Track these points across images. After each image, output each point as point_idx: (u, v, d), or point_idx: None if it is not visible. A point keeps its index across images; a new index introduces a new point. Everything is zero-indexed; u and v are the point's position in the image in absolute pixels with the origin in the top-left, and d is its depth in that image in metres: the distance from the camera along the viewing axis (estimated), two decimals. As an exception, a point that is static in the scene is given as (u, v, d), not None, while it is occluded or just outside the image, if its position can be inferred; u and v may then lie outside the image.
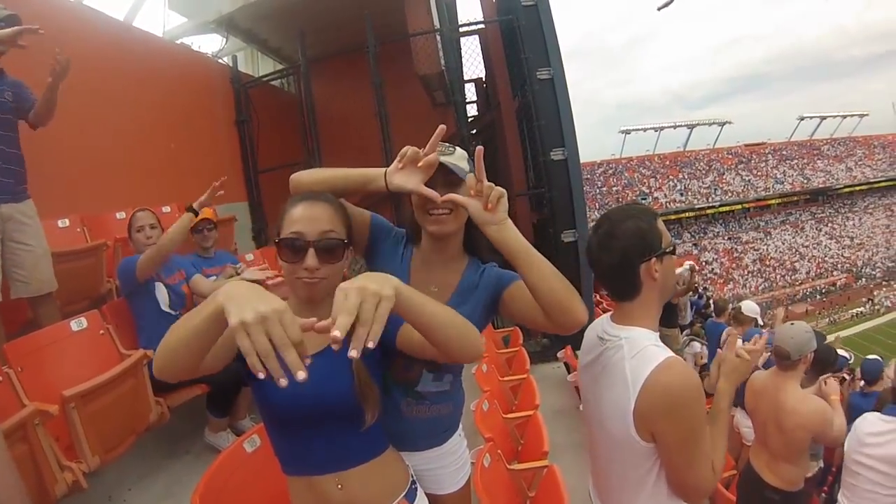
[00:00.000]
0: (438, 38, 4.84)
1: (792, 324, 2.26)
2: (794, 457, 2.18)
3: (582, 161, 20.02)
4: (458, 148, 1.22)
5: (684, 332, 6.27)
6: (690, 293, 6.57)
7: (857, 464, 2.01)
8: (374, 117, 4.88)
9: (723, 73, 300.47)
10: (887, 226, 42.26)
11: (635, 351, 1.13)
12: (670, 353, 1.10)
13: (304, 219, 1.00)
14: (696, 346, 6.03)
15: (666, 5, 44.98)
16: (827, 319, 30.33)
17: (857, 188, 43.82)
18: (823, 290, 35.57)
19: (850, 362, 5.43)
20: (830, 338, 14.81)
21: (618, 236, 1.13)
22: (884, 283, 36.05)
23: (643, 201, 37.08)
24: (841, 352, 4.53)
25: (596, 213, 33.68)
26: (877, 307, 32.09)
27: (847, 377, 4.71)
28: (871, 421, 2.02)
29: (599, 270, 1.21)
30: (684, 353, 5.75)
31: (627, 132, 45.07)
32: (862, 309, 31.97)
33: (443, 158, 1.10)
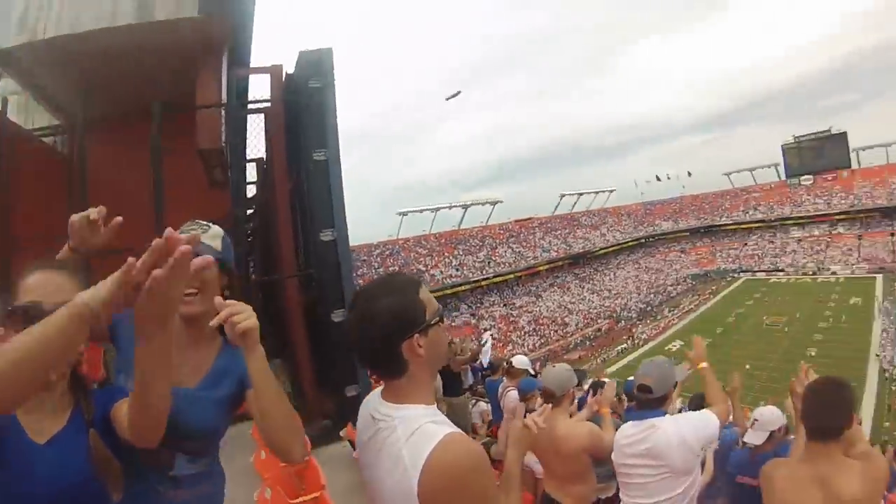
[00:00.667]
0: (223, 112, 5.29)
1: (554, 366, 3.14)
2: (580, 477, 2.92)
3: (360, 243, 39.84)
4: (213, 226, 1.43)
5: (466, 395, 7.32)
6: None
7: (623, 466, 2.56)
8: (148, 190, 5.06)
9: (495, 158, 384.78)
10: (636, 276, 60.47)
11: (411, 431, 1.23)
12: (449, 429, 1.21)
13: (40, 286, 1.15)
14: (482, 405, 7.06)
15: (453, 96, 61.78)
16: (599, 359, 39.62)
17: (611, 249, 62.96)
18: (591, 337, 45.73)
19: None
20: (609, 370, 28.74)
21: (374, 317, 1.24)
22: (639, 321, 49.01)
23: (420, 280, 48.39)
24: (605, 379, 6.41)
25: None
26: (636, 341, 42.69)
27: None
28: (623, 430, 2.59)
29: (360, 352, 1.32)
30: (472, 414, 6.88)
31: (404, 214, 54.51)
32: (625, 345, 42.23)
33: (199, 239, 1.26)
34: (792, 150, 70.67)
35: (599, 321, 49.49)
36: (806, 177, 68.31)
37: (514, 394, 4.99)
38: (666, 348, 37.63)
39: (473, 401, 7.29)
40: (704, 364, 2.86)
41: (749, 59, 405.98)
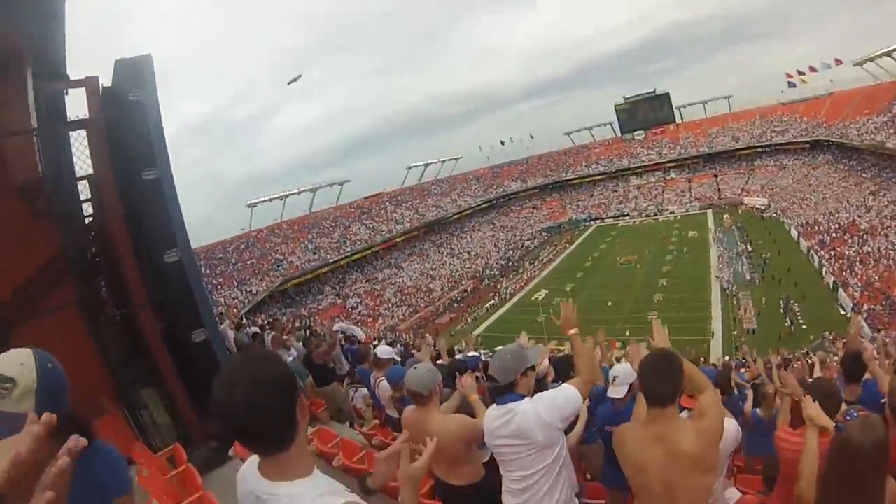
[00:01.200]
0: (36, 138, 5.35)
1: (416, 367, 3.53)
2: (464, 460, 3.41)
3: (212, 241, 49.70)
4: (18, 378, 1.49)
5: (346, 382, 8.58)
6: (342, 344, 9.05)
7: (496, 447, 3.04)
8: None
9: (338, 138, 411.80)
10: (493, 235, 71.68)
11: None
12: (339, 501, 1.43)
13: None
14: (364, 391, 7.81)
15: (295, 80, 67.82)
16: (470, 318, 47.03)
17: (464, 213, 73.83)
18: (458, 299, 53.11)
19: (481, 359, 7.87)
20: (479, 331, 40.27)
21: (267, 391, 1.41)
22: (502, 277, 58.31)
23: (279, 268, 51.09)
24: (472, 353, 7.55)
25: (236, 290, 44.71)
26: (503, 296, 51.12)
27: (479, 374, 6.27)
28: (489, 414, 3.07)
29: (252, 433, 1.45)
30: (354, 399, 7.86)
31: (254, 205, 59.02)
32: (493, 301, 50.27)
33: None
34: (623, 109, 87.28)
35: (464, 283, 57.54)
36: (638, 132, 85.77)
37: (384, 384, 5.84)
38: (532, 298, 47.25)
39: (354, 388, 8.13)
40: (572, 331, 3.27)
41: (578, 32, 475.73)
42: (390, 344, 14.93)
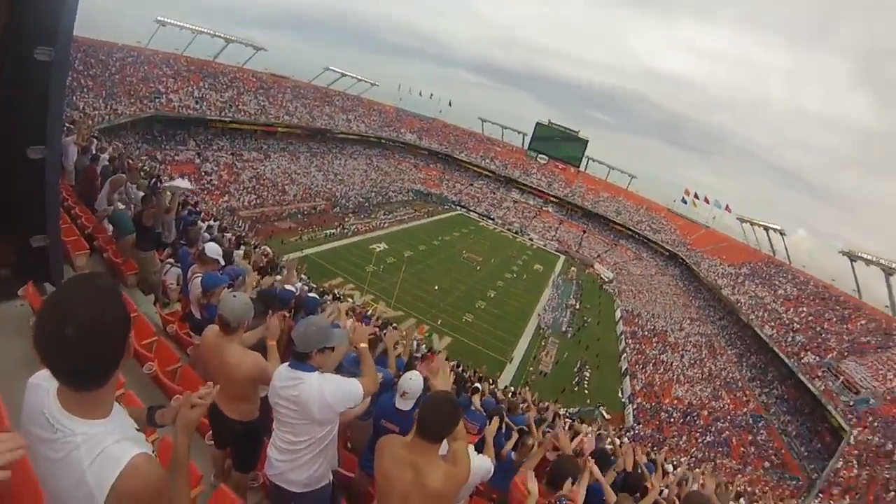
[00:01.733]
0: None
1: (234, 296, 3.90)
2: (246, 398, 3.93)
3: (104, 39, 48.01)
4: None
5: (166, 254, 8.72)
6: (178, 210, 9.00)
7: (276, 404, 3.45)
8: None
9: (279, 1, 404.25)
10: (365, 170, 75.50)
11: (95, 454, 1.53)
12: (135, 451, 1.56)
13: None
14: (176, 270, 7.84)
15: None
16: (307, 236, 48.61)
17: (350, 137, 77.15)
18: (306, 212, 55.27)
19: (296, 294, 8.05)
20: (308, 251, 43.13)
21: (105, 333, 1.54)
22: (353, 213, 61.40)
23: (156, 100, 49.65)
24: (289, 286, 7.74)
25: (101, 101, 42.53)
26: (346, 231, 53.46)
27: (287, 314, 6.53)
28: (279, 372, 3.48)
29: (73, 373, 1.55)
30: (165, 276, 7.85)
31: (163, 24, 56.37)
32: (334, 231, 52.21)
33: None
34: (542, 129, 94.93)
35: (317, 200, 60.43)
36: (543, 156, 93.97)
37: (198, 282, 6.13)
38: (370, 247, 50.00)
39: (170, 263, 7.98)
40: (362, 345, 4.00)
41: (552, 44, 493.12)
42: (223, 230, 15.73)
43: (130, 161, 16.73)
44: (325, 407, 3.37)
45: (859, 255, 50.26)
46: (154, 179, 17.59)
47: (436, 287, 46.02)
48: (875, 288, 48.88)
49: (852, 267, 51.14)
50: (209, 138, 57.21)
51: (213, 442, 4.45)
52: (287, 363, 3.54)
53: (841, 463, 26.23)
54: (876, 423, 29.15)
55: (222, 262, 7.55)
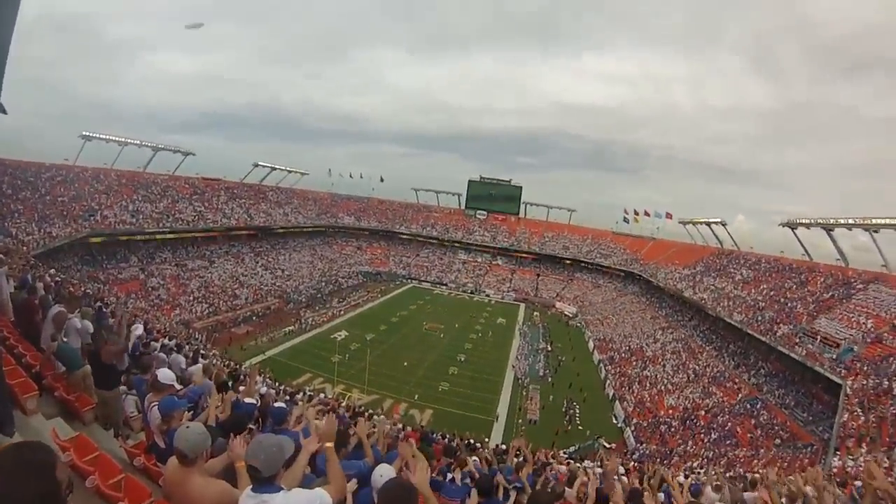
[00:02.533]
0: None
1: (188, 427, 3.79)
2: None
3: (31, 160, 48.85)
4: None
5: (121, 388, 8.39)
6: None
7: None
8: None
9: (201, 103, 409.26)
10: (311, 262, 75.48)
11: None
12: None
13: None
14: (132, 398, 8.05)
15: (194, 27, 66.41)
16: (265, 337, 48.48)
17: (291, 230, 77.16)
18: (260, 314, 55.05)
19: (257, 405, 8.08)
20: (270, 353, 43.94)
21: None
22: (307, 306, 61.17)
23: (91, 218, 48.55)
24: (248, 400, 7.53)
25: (34, 225, 41.99)
26: (304, 326, 53.71)
27: (253, 427, 6.71)
28: (243, 498, 3.32)
29: None
30: (126, 401, 8.05)
31: (89, 138, 57.43)
32: (292, 328, 52.40)
33: None
34: (475, 186, 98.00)
35: (269, 299, 60.27)
36: (481, 212, 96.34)
37: (156, 412, 5.97)
38: (331, 337, 50.45)
39: (124, 393, 8.12)
40: (328, 444, 4.01)
41: (466, 102, 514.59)
42: (178, 347, 14.72)
43: (71, 289, 16.36)
44: None
45: (798, 221, 52.53)
46: (99, 303, 17.17)
47: (405, 363, 45.82)
48: (821, 245, 51.43)
49: (795, 235, 53.44)
50: (150, 251, 56.45)
51: None
52: (249, 488, 3.38)
53: (846, 415, 26.45)
54: (865, 367, 29.79)
55: (178, 387, 7.39)
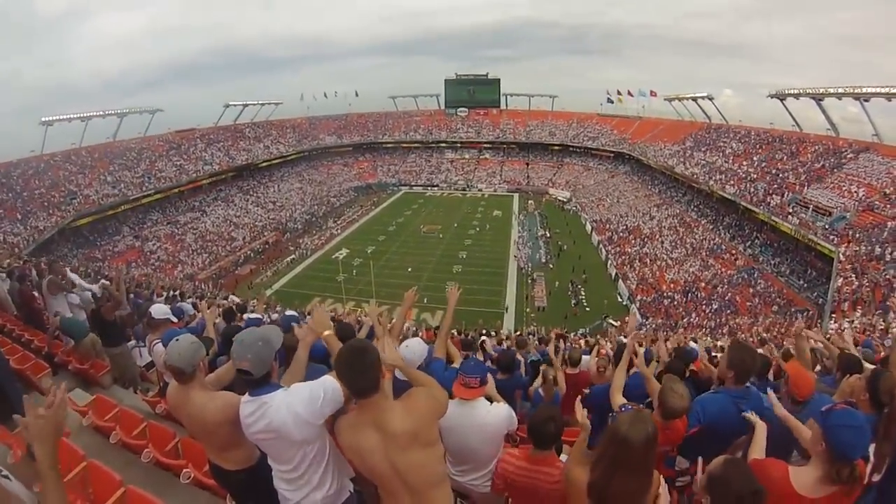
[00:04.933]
0: None
1: (177, 339, 3.48)
2: (233, 443, 3.49)
3: None
4: None
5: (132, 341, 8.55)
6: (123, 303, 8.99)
7: (255, 439, 3.14)
8: None
9: (157, 60, 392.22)
10: (300, 188, 75.23)
11: None
12: None
13: None
14: (160, 346, 6.47)
15: None
16: (269, 272, 48.99)
17: (274, 162, 76.75)
18: (260, 250, 55.23)
19: (262, 320, 7.80)
20: (277, 286, 43.57)
21: None
22: (304, 233, 61.62)
23: (73, 201, 47.93)
24: (254, 316, 7.66)
25: (18, 224, 41.45)
26: (304, 252, 54.13)
27: None
28: (244, 409, 3.09)
29: None
30: (153, 356, 6.80)
31: (50, 123, 55.41)
32: (293, 256, 52.90)
33: None
34: (453, 84, 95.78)
35: (266, 234, 59.94)
36: (462, 109, 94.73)
37: (159, 348, 5.66)
38: (333, 257, 51.14)
39: (139, 344, 8.09)
40: (326, 332, 3.62)
41: (430, 2, 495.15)
42: (181, 295, 14.79)
43: (52, 262, 16.15)
44: (302, 424, 2.98)
45: (786, 92, 51.92)
46: (96, 275, 17.45)
47: (409, 269, 46.51)
48: (811, 117, 50.97)
49: (784, 106, 52.96)
50: (140, 217, 56.25)
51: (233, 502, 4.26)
52: (245, 396, 3.14)
53: (840, 280, 27.32)
54: (857, 234, 30.55)
55: (174, 320, 7.09)
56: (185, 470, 4.67)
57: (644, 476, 2.65)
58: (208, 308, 8.51)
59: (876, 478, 3.20)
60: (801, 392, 4.04)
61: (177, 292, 18.96)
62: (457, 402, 3.81)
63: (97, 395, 6.62)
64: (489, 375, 4.32)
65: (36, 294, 9.94)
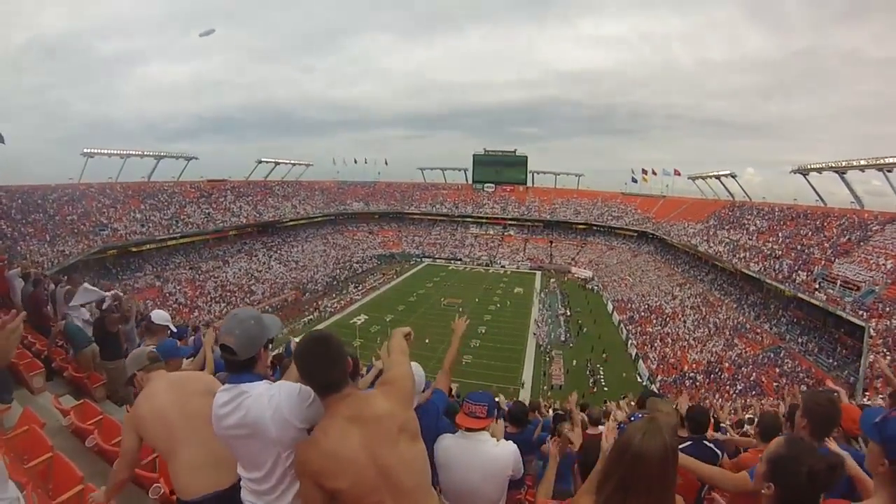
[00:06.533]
0: None
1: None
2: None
3: (36, 183, 48.82)
4: None
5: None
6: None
7: (226, 437, 2.70)
8: None
9: (198, 110, 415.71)
10: (324, 251, 75.73)
11: None
12: None
13: None
14: None
15: (207, 34, 64.24)
16: (286, 329, 47.60)
17: (300, 222, 77.48)
18: (278, 307, 54.26)
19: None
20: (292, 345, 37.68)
21: None
22: (325, 295, 61.66)
23: (101, 233, 49.15)
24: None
25: (46, 245, 42.63)
26: (323, 314, 54.13)
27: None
28: (218, 398, 2.70)
29: None
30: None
31: (91, 155, 57.59)
32: (311, 317, 53.04)
33: None
34: (481, 160, 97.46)
35: (286, 291, 60.47)
36: (489, 185, 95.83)
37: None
38: (351, 322, 50.32)
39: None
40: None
41: (464, 77, 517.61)
42: (195, 329, 13.31)
43: (72, 276, 15.80)
44: (281, 421, 2.58)
45: (809, 167, 52.21)
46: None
47: (426, 340, 44.53)
48: (835, 192, 51.31)
49: (807, 181, 53.12)
50: (164, 258, 56.93)
51: None
52: (223, 387, 2.81)
53: (872, 356, 26.29)
54: (888, 308, 29.57)
55: (173, 329, 6.84)
56: (155, 484, 4.37)
57: (664, 499, 2.11)
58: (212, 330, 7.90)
59: None
60: (855, 425, 3.57)
61: (189, 327, 18.34)
62: (459, 435, 3.57)
63: (84, 401, 6.50)
64: (502, 423, 4.24)
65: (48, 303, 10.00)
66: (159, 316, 6.34)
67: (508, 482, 3.55)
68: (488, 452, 3.44)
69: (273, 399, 2.59)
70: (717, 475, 3.43)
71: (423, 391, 4.11)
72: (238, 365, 2.74)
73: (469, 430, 3.52)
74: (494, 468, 3.43)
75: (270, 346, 2.97)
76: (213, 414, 2.70)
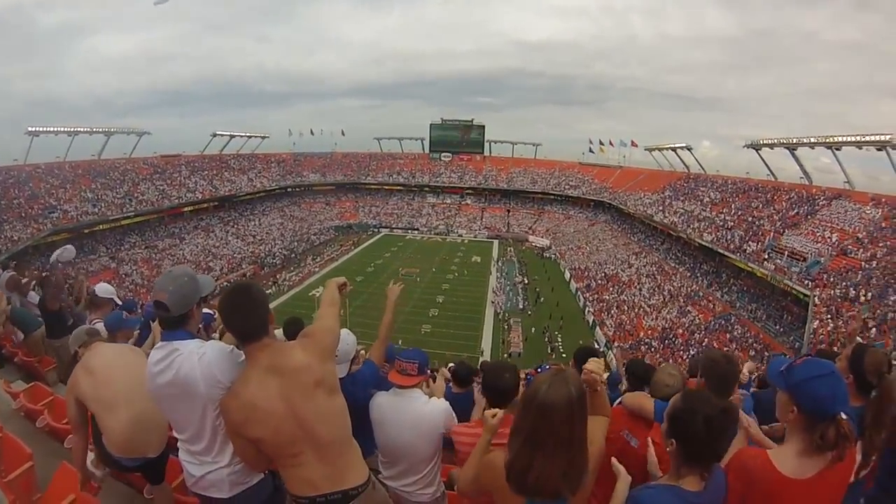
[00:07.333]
0: None
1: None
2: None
3: None
4: None
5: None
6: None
7: (158, 397, 2.73)
8: None
9: (150, 84, 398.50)
10: (281, 223, 74.91)
11: None
12: None
13: None
14: None
15: (162, 1, 59.73)
16: None
17: (257, 195, 76.58)
18: (233, 281, 59.45)
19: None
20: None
21: None
22: (283, 268, 61.15)
23: (51, 215, 47.31)
24: (206, 311, 6.28)
25: None
26: (281, 287, 53.50)
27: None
28: (152, 356, 2.71)
29: None
30: None
31: (36, 134, 54.76)
32: (270, 290, 51.94)
33: None
34: (438, 129, 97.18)
35: (244, 266, 59.25)
36: (446, 154, 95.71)
37: (101, 328, 5.34)
38: (309, 294, 50.00)
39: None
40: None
41: (420, 46, 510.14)
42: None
43: (18, 265, 15.73)
44: (210, 378, 2.61)
45: (761, 142, 53.96)
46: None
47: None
48: (785, 167, 53.19)
49: (760, 156, 54.94)
50: (118, 238, 55.62)
51: None
52: (157, 345, 2.81)
53: (816, 323, 27.76)
54: (832, 278, 31.16)
55: (118, 302, 6.83)
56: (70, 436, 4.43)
57: (574, 453, 2.15)
58: None
59: (863, 473, 2.86)
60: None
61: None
62: (391, 392, 3.64)
63: (35, 384, 6.46)
64: (443, 382, 4.41)
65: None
66: (104, 289, 6.41)
67: (443, 440, 3.61)
68: (418, 410, 3.48)
69: (203, 357, 2.62)
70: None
71: (354, 358, 4.16)
72: (171, 321, 2.75)
73: (401, 387, 3.57)
74: (425, 425, 3.47)
75: (203, 304, 3.04)
76: (147, 372, 2.73)
